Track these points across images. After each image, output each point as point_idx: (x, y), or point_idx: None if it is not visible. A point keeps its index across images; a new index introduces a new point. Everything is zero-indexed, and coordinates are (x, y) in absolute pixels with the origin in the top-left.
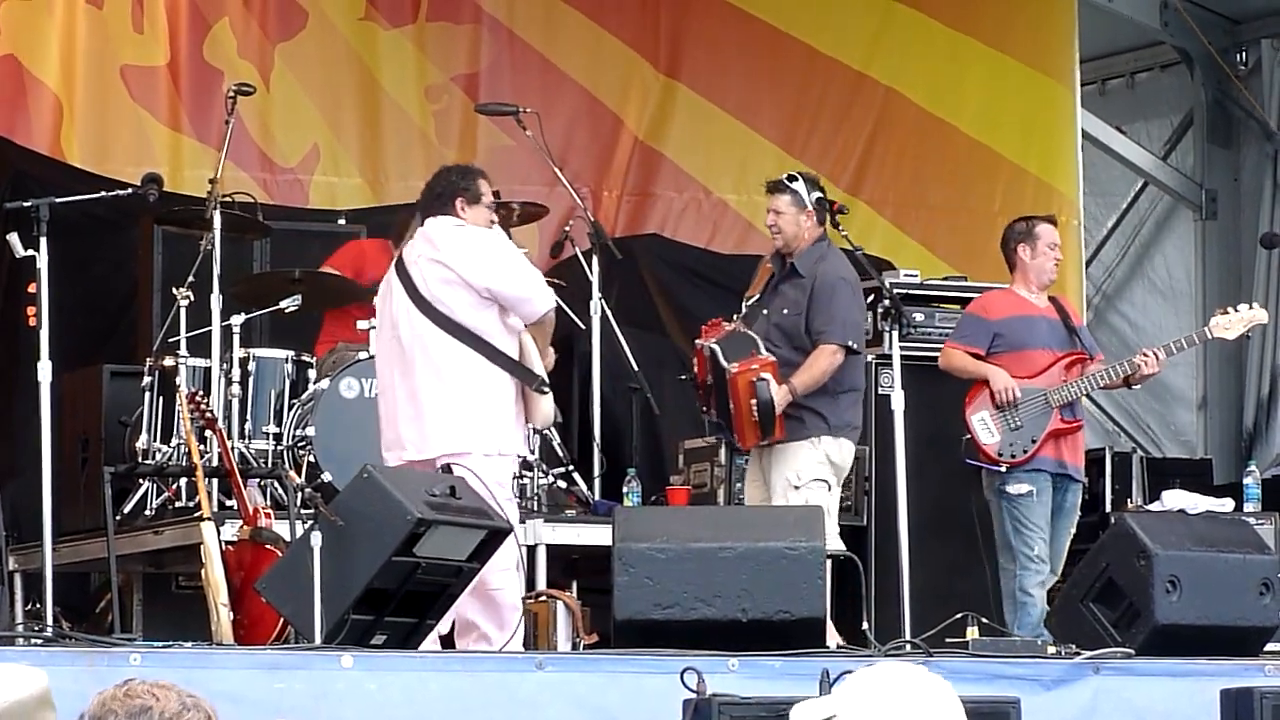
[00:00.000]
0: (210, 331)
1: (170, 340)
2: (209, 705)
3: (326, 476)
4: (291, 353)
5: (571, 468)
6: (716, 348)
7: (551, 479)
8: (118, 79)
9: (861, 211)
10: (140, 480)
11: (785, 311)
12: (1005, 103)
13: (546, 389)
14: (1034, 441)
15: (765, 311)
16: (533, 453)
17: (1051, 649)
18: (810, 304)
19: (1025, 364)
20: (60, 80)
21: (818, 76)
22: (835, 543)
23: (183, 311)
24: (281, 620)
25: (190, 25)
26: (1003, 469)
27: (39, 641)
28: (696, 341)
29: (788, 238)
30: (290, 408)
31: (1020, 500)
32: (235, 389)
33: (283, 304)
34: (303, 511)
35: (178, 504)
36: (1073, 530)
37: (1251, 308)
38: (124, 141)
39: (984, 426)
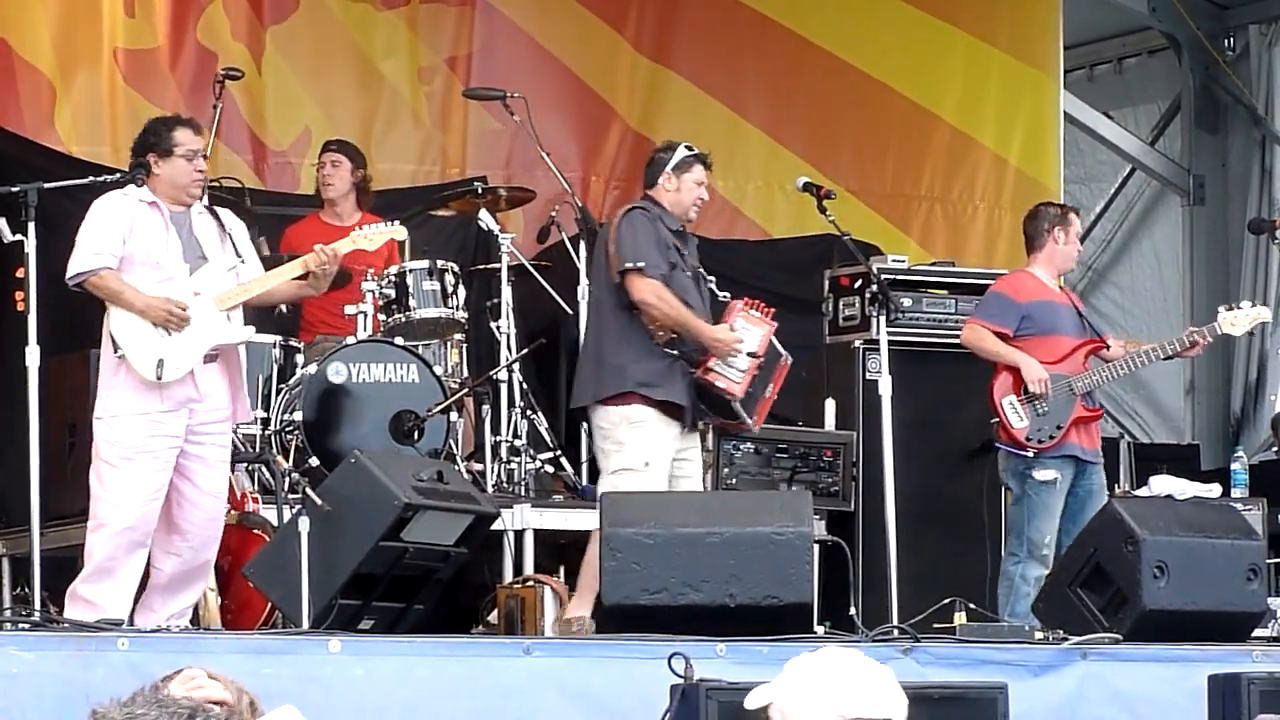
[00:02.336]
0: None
1: None
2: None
3: (314, 461)
4: (279, 337)
5: (559, 453)
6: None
7: (539, 464)
8: (111, 62)
9: (844, 199)
10: None
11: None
12: (987, 92)
13: (120, 355)
14: (1059, 428)
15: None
16: (520, 438)
17: (1039, 634)
18: None
19: (1050, 349)
20: (53, 63)
21: (804, 64)
22: None
23: None
24: (269, 605)
25: (184, 7)
26: (1030, 454)
27: (26, 626)
28: (772, 325)
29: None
30: (278, 392)
31: (1045, 487)
32: None
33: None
34: (290, 496)
35: None
36: None
37: (1255, 306)
38: (118, 125)
39: (1013, 410)
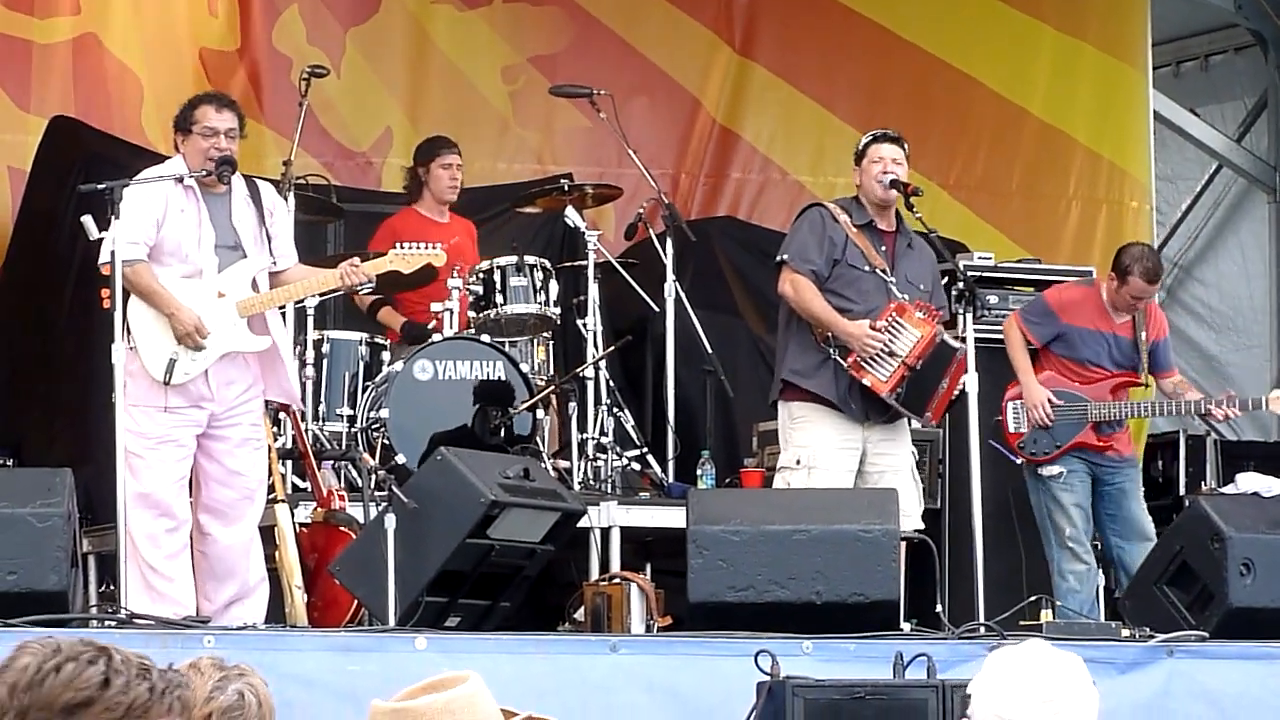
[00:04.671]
0: (284, 313)
1: None
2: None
3: (400, 459)
4: (365, 335)
5: (645, 450)
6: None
7: (626, 461)
8: (197, 62)
9: (935, 194)
10: None
11: (923, 287)
12: (1077, 87)
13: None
14: (1057, 446)
15: (895, 285)
16: (606, 435)
17: (1125, 632)
18: (933, 279)
19: (1075, 373)
20: (142, 61)
21: (892, 59)
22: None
23: None
24: (355, 602)
25: (260, 11)
26: (1018, 461)
27: (113, 624)
28: (939, 331)
29: (894, 196)
30: (364, 390)
31: (1053, 481)
32: (309, 371)
33: (356, 286)
34: (376, 494)
35: None
36: (1141, 504)
37: None
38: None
39: (1015, 415)
